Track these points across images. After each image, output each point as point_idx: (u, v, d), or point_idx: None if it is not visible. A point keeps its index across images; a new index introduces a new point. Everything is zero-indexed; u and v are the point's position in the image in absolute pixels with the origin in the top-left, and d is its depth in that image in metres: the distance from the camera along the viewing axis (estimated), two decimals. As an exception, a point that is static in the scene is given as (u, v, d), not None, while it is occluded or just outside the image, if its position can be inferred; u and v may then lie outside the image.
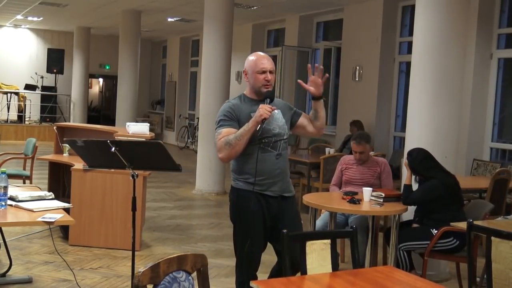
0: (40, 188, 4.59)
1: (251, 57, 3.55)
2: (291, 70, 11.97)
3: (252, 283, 2.62)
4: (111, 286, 4.71)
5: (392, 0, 9.84)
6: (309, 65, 3.60)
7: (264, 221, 3.50)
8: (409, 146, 5.26)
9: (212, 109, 9.36)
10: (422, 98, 5.38)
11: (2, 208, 3.70)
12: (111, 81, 21.70)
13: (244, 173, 3.49)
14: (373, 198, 4.77)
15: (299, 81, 3.69)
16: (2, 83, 16.74)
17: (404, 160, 5.06)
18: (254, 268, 3.56)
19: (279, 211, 3.51)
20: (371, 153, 5.68)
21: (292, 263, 3.13)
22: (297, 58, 12.04)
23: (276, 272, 3.67)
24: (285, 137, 3.54)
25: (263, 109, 3.30)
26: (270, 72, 3.46)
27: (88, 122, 16.70)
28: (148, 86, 20.00)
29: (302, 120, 3.65)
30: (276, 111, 3.48)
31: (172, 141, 17.44)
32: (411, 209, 4.91)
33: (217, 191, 9.33)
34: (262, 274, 5.15)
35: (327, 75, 3.53)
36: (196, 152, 10.70)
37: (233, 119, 3.45)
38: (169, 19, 14.27)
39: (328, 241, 3.06)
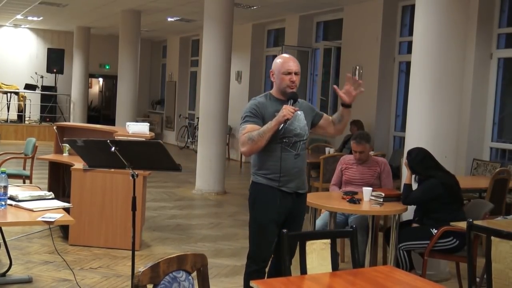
0: (40, 188, 4.59)
1: (279, 59, 3.70)
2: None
3: (252, 283, 2.62)
4: (111, 286, 4.71)
5: (392, 0, 9.84)
6: (349, 75, 3.74)
7: (279, 215, 3.65)
8: (409, 146, 5.26)
9: (212, 109, 9.38)
10: (422, 98, 5.37)
11: (2, 208, 3.70)
12: (111, 81, 21.70)
13: (264, 169, 3.65)
14: (373, 198, 4.77)
15: (334, 86, 3.87)
16: (2, 83, 16.74)
17: (404, 159, 5.06)
18: (267, 261, 3.72)
19: (293, 206, 3.69)
20: (371, 153, 5.68)
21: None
22: (297, 58, 11.98)
23: (274, 268, 3.76)
24: (304, 138, 3.70)
25: (287, 110, 3.46)
26: (296, 73, 3.63)
27: (88, 122, 16.70)
28: (148, 86, 20.00)
29: (323, 122, 3.86)
30: (299, 112, 3.65)
31: (172, 141, 17.44)
32: (411, 209, 4.92)
33: (217, 191, 9.33)
34: (262, 274, 5.14)
35: (362, 90, 3.71)
36: (196, 152, 10.70)
37: (258, 116, 3.60)
38: (169, 19, 14.27)
39: (328, 241, 3.07)
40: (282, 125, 3.48)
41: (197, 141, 11.05)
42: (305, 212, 3.88)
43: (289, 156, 3.62)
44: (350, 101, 3.70)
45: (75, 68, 17.62)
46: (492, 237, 3.34)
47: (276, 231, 3.64)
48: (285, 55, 3.78)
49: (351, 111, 3.75)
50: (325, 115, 3.89)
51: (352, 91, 3.66)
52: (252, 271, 3.66)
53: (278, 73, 3.64)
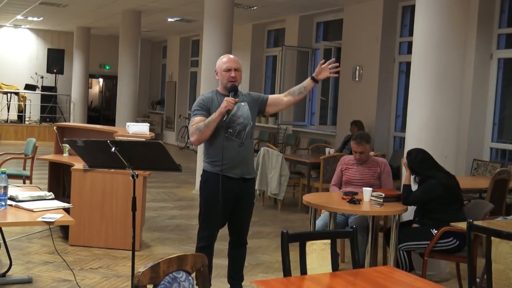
0: (40, 188, 4.59)
1: (220, 60, 4.11)
2: (291, 70, 11.97)
3: (252, 283, 2.62)
4: (111, 286, 4.71)
5: (392, 0, 9.84)
6: (333, 60, 4.16)
7: (226, 199, 4.00)
8: (409, 146, 5.26)
9: (212, 109, 9.36)
10: (422, 99, 5.37)
11: (2, 208, 3.70)
12: (111, 81, 21.69)
13: (210, 157, 4.06)
14: (373, 198, 4.77)
15: (321, 62, 4.16)
16: (2, 83, 16.74)
17: (404, 160, 5.06)
18: (213, 238, 4.21)
19: (240, 191, 4.07)
20: (371, 153, 5.68)
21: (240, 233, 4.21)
22: (297, 58, 12.04)
23: (232, 258, 4.39)
24: (248, 127, 4.04)
25: (227, 101, 3.86)
26: (235, 69, 4.03)
27: (88, 122, 16.70)
28: (148, 86, 19.99)
29: (271, 101, 4.22)
30: (242, 103, 4.04)
31: (172, 141, 17.44)
32: (411, 209, 4.91)
33: (217, 191, 9.30)
34: (263, 274, 5.15)
35: (337, 75, 4.19)
36: (196, 152, 10.70)
37: (205, 109, 4.01)
38: (169, 19, 14.27)
39: (328, 241, 3.06)
40: (225, 115, 3.85)
41: (197, 141, 11.02)
42: (254, 196, 4.28)
43: (232, 144, 3.98)
44: (321, 78, 4.08)
45: (75, 68, 17.61)
46: (492, 238, 3.34)
47: (222, 213, 4.06)
48: (226, 55, 4.18)
49: (313, 87, 4.16)
50: (270, 95, 4.28)
51: (327, 71, 4.07)
52: (202, 247, 4.12)
53: (220, 71, 4.07)
